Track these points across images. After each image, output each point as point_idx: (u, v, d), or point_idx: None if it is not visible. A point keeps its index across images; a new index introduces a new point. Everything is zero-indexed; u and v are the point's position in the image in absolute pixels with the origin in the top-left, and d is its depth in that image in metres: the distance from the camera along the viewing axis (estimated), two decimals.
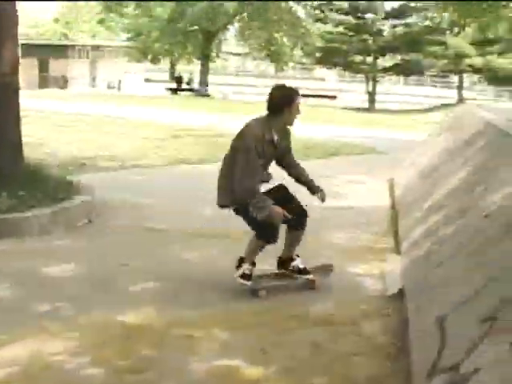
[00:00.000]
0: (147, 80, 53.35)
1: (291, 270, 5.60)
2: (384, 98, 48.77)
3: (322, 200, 5.65)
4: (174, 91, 44.44)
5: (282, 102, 5.22)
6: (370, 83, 47.42)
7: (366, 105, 45.30)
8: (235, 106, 30.22)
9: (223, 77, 56.80)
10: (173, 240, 7.02)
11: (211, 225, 7.63)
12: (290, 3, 44.34)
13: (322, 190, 5.66)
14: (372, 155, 15.34)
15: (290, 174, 5.70)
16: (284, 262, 5.63)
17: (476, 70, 47.96)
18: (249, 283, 5.40)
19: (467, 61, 45.72)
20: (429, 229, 6.04)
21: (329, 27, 48.63)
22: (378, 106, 45.16)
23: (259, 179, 5.30)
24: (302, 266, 5.62)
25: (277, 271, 5.67)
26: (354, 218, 8.33)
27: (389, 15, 48.03)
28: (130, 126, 18.76)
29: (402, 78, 59.35)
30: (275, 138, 5.29)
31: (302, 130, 18.97)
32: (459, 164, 7.06)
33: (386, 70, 49.18)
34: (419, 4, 45.81)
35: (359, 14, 47.28)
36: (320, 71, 60.98)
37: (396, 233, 7.26)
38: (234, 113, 24.80)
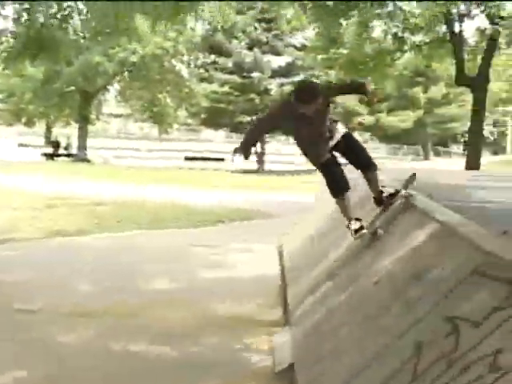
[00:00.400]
0: (21, 145, 52.21)
1: (387, 198, 6.36)
2: (274, 158, 49.72)
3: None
4: (51, 156, 43.76)
5: None
6: (258, 144, 48.29)
7: (255, 166, 46.01)
8: (116, 172, 29.97)
9: (104, 140, 56.28)
10: (45, 321, 6.77)
11: (89, 301, 7.43)
12: (173, 62, 44.91)
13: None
14: (261, 220, 15.50)
15: None
16: (378, 199, 6.42)
17: (366, 128, 49.85)
18: (365, 231, 6.05)
19: (358, 119, 47.42)
20: (319, 297, 6.11)
21: (214, 87, 49.32)
22: (267, 166, 45.97)
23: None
24: (392, 191, 6.40)
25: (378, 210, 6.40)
26: (241, 289, 8.31)
27: (276, 73, 49.41)
28: (0, 195, 18.21)
29: (291, 137, 60.73)
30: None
31: (187, 195, 19.11)
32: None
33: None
34: (306, 63, 47.32)
35: (245, 73, 48.37)
36: (207, 132, 61.58)
37: (285, 303, 7.28)
38: (114, 179, 24.57)
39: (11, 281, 8.49)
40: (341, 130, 6.18)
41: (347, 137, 6.19)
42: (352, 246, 6.48)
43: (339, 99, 46.73)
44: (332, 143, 6.11)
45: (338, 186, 6.17)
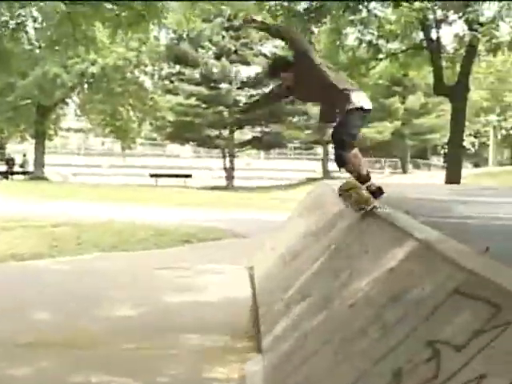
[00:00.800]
0: None
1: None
2: (244, 173, 49.84)
3: None
4: (4, 175, 43.37)
5: None
6: (227, 159, 48.37)
7: (224, 182, 46.05)
8: (76, 190, 29.80)
9: (64, 156, 56.00)
10: None
11: (47, 330, 7.34)
12: (136, 73, 44.87)
13: None
14: (230, 240, 15.48)
15: None
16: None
17: None
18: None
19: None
20: (292, 322, 6.09)
21: (180, 99, 49.23)
22: (237, 182, 46.04)
23: None
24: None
25: None
26: (210, 314, 8.26)
27: (245, 84, 49.59)
28: None
29: (262, 151, 61.01)
30: None
31: (152, 214, 19.03)
32: (322, 248, 7.21)
33: (243, 143, 50.41)
34: None
35: (212, 84, 48.45)
36: (173, 147, 61.57)
37: (257, 328, 7.25)
38: (74, 198, 24.42)
39: None
40: None
41: None
42: (325, 266, 6.48)
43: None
44: None
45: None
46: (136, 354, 6.61)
